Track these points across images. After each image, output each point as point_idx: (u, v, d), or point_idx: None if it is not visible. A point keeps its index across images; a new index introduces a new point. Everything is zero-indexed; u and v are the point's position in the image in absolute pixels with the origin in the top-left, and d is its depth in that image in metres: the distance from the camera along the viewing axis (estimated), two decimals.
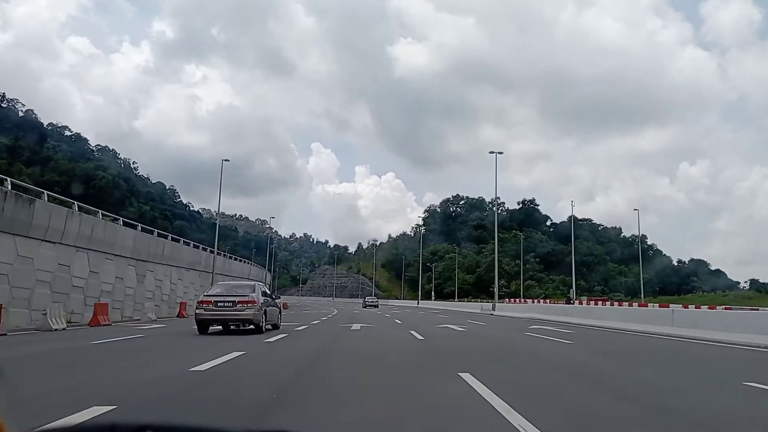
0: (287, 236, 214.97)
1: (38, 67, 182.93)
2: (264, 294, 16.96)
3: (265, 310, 16.04)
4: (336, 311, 47.50)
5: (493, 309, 39.83)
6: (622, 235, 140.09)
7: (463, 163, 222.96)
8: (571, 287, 62.88)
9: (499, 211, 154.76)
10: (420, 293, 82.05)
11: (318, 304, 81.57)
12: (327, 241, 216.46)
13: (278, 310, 18.52)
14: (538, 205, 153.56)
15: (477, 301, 69.59)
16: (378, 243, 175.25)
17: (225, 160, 47.15)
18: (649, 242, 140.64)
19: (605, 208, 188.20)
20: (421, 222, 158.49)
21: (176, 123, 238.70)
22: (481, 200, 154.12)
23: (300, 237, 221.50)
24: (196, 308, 15.71)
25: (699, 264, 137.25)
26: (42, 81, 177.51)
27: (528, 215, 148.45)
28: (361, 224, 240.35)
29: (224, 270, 46.63)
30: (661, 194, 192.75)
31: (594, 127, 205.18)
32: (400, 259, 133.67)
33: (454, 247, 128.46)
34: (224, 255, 52.18)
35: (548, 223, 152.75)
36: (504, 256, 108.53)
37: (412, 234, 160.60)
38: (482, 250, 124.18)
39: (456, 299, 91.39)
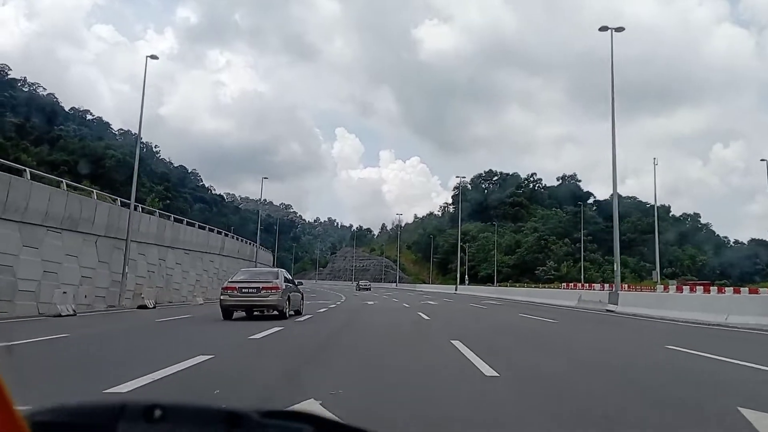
0: (311, 221, 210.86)
1: (65, 56, 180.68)
2: (287, 280, 16.36)
3: (289, 296, 15.68)
4: (343, 298, 36.26)
5: (614, 302, 22.62)
6: (671, 213, 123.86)
7: (489, 147, 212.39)
8: (655, 269, 48.41)
9: (537, 188, 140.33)
10: (459, 277, 67.14)
11: (331, 289, 68.42)
12: (351, 226, 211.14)
13: (300, 295, 17.93)
14: (579, 181, 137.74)
15: (546, 287, 54.35)
16: (403, 224, 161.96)
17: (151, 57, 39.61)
18: (702, 221, 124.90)
19: (635, 192, 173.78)
20: (450, 200, 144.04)
21: (201, 109, 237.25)
22: (516, 176, 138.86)
23: (324, 221, 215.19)
24: (221, 294, 15.41)
25: (760, 245, 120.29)
26: (69, 69, 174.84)
27: (569, 192, 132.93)
28: (386, 209, 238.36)
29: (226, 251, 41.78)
30: (695, 177, 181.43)
31: (625, 109, 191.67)
32: (427, 240, 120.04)
33: (490, 225, 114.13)
34: (234, 237, 47.17)
35: (591, 201, 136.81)
36: (548, 235, 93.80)
37: (439, 213, 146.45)
38: (521, 228, 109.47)
39: (495, 284, 77.47)
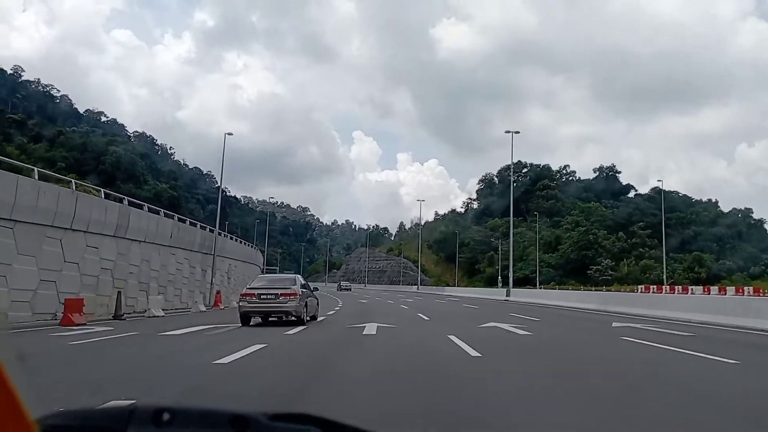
0: (329, 223, 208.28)
1: (85, 62, 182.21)
2: (303, 286, 16.12)
3: (306, 302, 15.46)
4: (335, 310, 22.85)
5: None
6: (718, 209, 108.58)
7: (507, 148, 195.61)
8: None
9: (571, 180, 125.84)
10: (510, 279, 49.61)
11: (335, 294, 55.50)
12: (369, 228, 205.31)
13: (316, 301, 17.46)
14: (619, 172, 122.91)
15: (602, 289, 40.09)
16: (423, 222, 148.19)
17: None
18: (755, 216, 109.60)
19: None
20: (474, 195, 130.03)
21: (218, 112, 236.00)
22: (547, 168, 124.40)
23: (342, 224, 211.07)
24: (240, 301, 15.47)
25: None
26: (89, 75, 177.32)
27: (608, 185, 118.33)
28: (404, 212, 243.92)
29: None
30: (719, 177, 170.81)
31: (648, 107, 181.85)
32: (451, 239, 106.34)
33: (522, 221, 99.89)
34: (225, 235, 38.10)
35: (632, 194, 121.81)
36: (597, 229, 79.33)
37: (462, 210, 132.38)
38: (559, 223, 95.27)
39: (537, 286, 63.60)
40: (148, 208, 22.11)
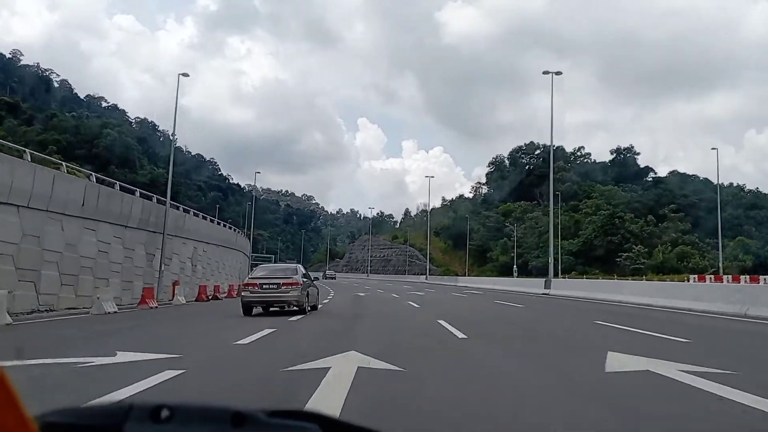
0: (334, 212, 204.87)
1: (87, 48, 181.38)
2: (304, 276, 15.97)
3: (307, 291, 15.40)
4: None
5: None
6: (747, 192, 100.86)
7: (514, 135, 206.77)
8: None
9: (586, 162, 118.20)
10: (551, 267, 39.85)
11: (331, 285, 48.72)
12: (372, 210, 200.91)
13: (317, 290, 17.16)
14: (638, 154, 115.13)
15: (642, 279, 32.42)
16: (429, 208, 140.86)
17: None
18: None
19: None
20: (483, 179, 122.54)
21: (222, 99, 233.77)
22: (561, 149, 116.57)
23: (347, 212, 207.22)
24: (242, 291, 15.74)
25: None
26: (91, 61, 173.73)
27: (625, 167, 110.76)
28: (409, 200, 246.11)
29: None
30: (728, 163, 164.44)
31: (657, 92, 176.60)
32: (459, 225, 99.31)
33: (536, 205, 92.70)
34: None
35: (650, 177, 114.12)
36: (622, 212, 71.88)
37: (470, 196, 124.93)
38: (577, 208, 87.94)
39: (560, 275, 56.41)
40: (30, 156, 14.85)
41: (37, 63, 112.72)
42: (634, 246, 61.14)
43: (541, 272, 68.41)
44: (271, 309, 14.88)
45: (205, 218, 29.70)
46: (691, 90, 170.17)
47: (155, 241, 21.52)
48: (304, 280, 15.39)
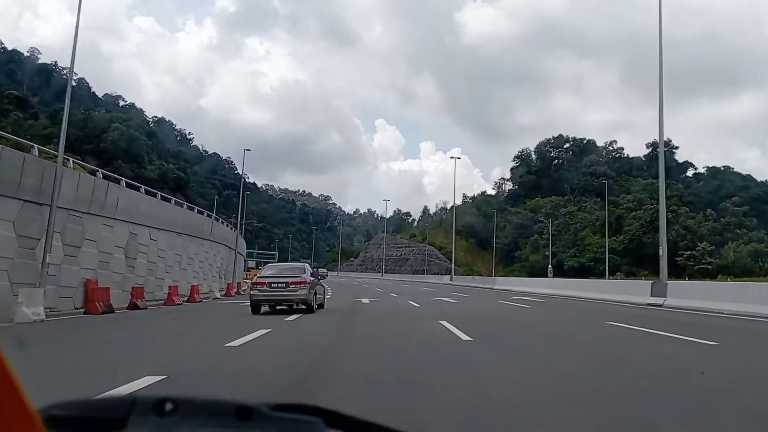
0: (351, 212, 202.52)
1: (108, 49, 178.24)
2: (311, 274, 15.75)
3: (315, 290, 15.20)
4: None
5: None
6: None
7: (534, 136, 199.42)
8: None
9: (621, 157, 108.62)
10: (664, 265, 28.91)
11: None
12: (387, 203, 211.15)
13: (324, 288, 17.28)
14: (676, 148, 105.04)
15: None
16: (449, 206, 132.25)
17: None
18: None
19: None
20: (508, 175, 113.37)
21: (240, 100, 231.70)
22: (592, 143, 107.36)
23: (364, 213, 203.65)
24: (251, 290, 15.57)
25: None
26: (112, 63, 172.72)
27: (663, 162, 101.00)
28: (427, 201, 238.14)
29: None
30: (750, 167, 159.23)
31: (682, 93, 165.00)
32: (483, 223, 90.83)
33: (567, 200, 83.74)
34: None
35: (690, 173, 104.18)
36: (675, 205, 62.55)
37: (494, 192, 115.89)
38: (616, 203, 78.84)
39: (608, 275, 47.67)
40: None
41: (55, 62, 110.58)
42: (698, 243, 51.88)
43: (579, 272, 59.88)
44: (278, 307, 14.69)
45: (154, 195, 21.52)
46: (717, 90, 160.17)
47: (37, 218, 13.50)
48: (312, 279, 15.21)
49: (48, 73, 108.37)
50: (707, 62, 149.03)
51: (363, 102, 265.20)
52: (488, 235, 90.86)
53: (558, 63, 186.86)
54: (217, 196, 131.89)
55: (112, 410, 0.68)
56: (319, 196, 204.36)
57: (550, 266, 58.74)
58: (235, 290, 28.71)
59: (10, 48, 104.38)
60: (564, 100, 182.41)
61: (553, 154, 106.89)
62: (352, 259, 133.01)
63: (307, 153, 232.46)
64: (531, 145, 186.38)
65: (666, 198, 54.52)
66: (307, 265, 17.20)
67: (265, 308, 14.74)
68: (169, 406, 0.67)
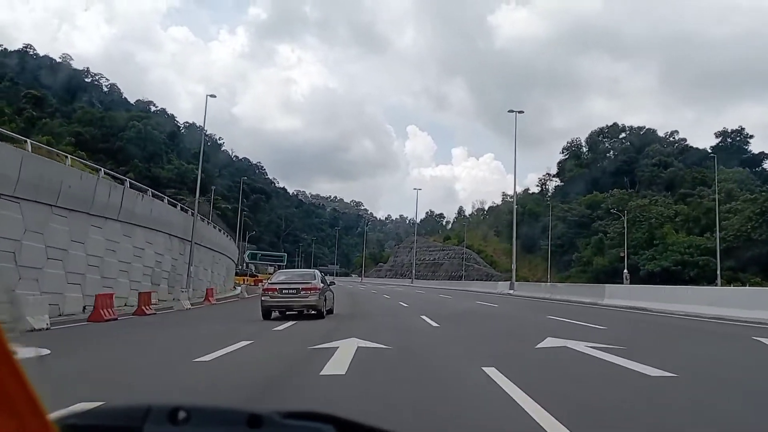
0: (383, 218, 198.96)
1: (144, 59, 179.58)
2: (321, 280, 15.62)
3: (325, 296, 15.06)
4: None
5: None
6: None
7: (568, 140, 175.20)
8: None
9: (684, 147, 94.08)
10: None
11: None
12: (423, 219, 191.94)
13: (333, 294, 16.78)
14: (751, 137, 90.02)
15: None
16: (486, 207, 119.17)
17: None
18: None
19: None
20: (554, 170, 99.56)
21: (272, 107, 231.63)
22: (652, 132, 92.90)
23: (396, 218, 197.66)
24: (262, 296, 15.02)
25: None
26: (148, 72, 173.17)
27: (733, 153, 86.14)
28: (457, 208, 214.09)
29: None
30: None
31: (722, 94, 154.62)
32: (529, 223, 78.08)
33: (633, 193, 70.16)
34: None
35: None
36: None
37: (537, 189, 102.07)
38: (687, 198, 64.94)
39: (719, 283, 34.63)
40: None
41: (87, 68, 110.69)
42: None
43: (663, 279, 46.83)
44: (288, 313, 14.49)
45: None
46: (760, 91, 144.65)
47: None
48: (322, 285, 15.10)
49: (77, 77, 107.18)
50: None
51: (394, 108, 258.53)
52: (534, 236, 77.84)
53: (593, 65, 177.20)
54: (244, 201, 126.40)
55: (128, 418, 0.68)
56: (351, 202, 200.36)
57: (626, 271, 45.64)
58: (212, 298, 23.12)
59: (41, 54, 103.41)
60: (600, 103, 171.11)
61: (606, 144, 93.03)
62: (381, 264, 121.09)
63: (339, 160, 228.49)
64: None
65: (729, 195, 40.93)
66: (317, 271, 17.24)
67: (275, 313, 14.44)
68: (182, 414, 0.67)
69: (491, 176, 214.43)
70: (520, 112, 38.30)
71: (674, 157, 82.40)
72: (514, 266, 34.11)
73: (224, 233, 38.16)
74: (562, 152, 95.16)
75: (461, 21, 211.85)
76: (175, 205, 21.82)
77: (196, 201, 22.99)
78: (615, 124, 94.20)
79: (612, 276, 47.94)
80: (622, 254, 47.82)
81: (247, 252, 57.40)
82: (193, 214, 22.20)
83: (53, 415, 0.61)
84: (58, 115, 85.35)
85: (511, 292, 27.88)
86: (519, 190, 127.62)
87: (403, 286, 54.93)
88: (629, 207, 58.82)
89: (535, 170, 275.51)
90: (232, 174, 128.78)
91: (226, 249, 37.82)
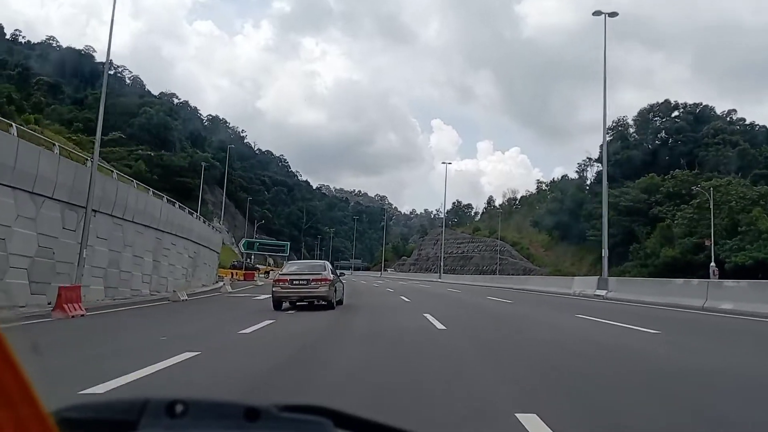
0: (407, 212, 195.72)
1: (169, 53, 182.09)
2: (332, 272, 15.62)
3: (335, 287, 14.96)
4: None
5: None
6: None
7: (597, 133, 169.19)
8: None
9: (746, 127, 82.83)
10: None
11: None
12: (450, 209, 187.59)
13: (342, 285, 16.83)
14: None
15: None
16: (518, 197, 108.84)
17: None
18: None
19: None
20: (595, 153, 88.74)
21: (296, 101, 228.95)
22: (709, 108, 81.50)
23: (420, 213, 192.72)
24: (273, 286, 14.94)
25: None
26: (174, 66, 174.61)
27: None
28: (484, 201, 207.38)
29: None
30: None
31: (759, 85, 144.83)
32: (571, 210, 68.81)
33: (698, 175, 59.76)
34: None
35: None
36: None
37: (576, 174, 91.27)
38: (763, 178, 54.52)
39: None
40: None
41: (111, 60, 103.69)
42: None
43: (755, 273, 36.84)
44: (298, 303, 14.18)
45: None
46: None
47: None
48: (333, 276, 15.04)
49: (98, 69, 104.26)
50: None
51: (419, 100, 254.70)
52: (579, 225, 67.96)
53: (626, 55, 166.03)
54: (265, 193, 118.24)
55: (125, 412, 0.67)
56: (375, 196, 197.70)
57: (713, 264, 35.70)
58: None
59: (64, 45, 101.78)
60: (631, 94, 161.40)
61: (657, 123, 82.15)
62: (405, 258, 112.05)
63: (363, 154, 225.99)
64: (596, 141, 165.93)
65: None
66: (327, 262, 16.58)
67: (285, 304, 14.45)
68: (179, 407, 0.66)
69: (517, 170, 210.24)
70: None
71: (740, 136, 71.48)
72: (605, 253, 24.25)
73: (206, 222, 30.51)
74: (608, 132, 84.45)
75: (488, 10, 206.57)
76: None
77: (97, 142, 14.06)
78: (667, 101, 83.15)
79: (686, 271, 38.09)
80: (707, 242, 37.87)
81: (243, 241, 48.93)
82: (93, 165, 13.32)
83: (49, 408, 0.61)
84: (68, 101, 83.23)
85: (604, 294, 18.36)
86: (546, 181, 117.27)
87: (430, 282, 45.59)
88: (695, 191, 48.53)
89: (563, 163, 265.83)
90: (253, 166, 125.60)
91: (208, 240, 30.00)
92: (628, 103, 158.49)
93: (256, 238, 66.78)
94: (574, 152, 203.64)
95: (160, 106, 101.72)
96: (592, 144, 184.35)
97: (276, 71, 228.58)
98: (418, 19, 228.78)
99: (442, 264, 66.91)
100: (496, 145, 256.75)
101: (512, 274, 61.94)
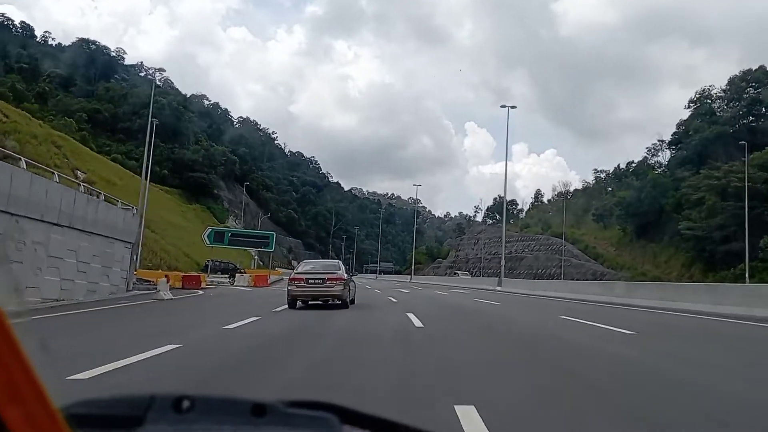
0: (441, 215, 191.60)
1: (205, 60, 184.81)
2: (346, 272, 16.01)
3: (349, 287, 15.45)
4: None
5: None
6: None
7: (638, 133, 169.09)
8: None
9: None
10: None
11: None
12: (485, 221, 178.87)
13: (354, 284, 17.58)
14: None
15: None
16: (572, 189, 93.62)
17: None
18: None
19: None
20: (666, 135, 72.74)
21: (330, 105, 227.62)
22: None
23: (455, 216, 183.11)
24: (288, 285, 15.41)
25: None
26: (209, 73, 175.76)
27: None
28: (530, 196, 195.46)
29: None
30: None
31: None
32: (649, 200, 54.31)
33: None
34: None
35: None
36: None
37: (650, 159, 75.11)
38: None
39: None
40: None
41: (141, 62, 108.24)
42: None
43: None
44: (311, 303, 14.56)
45: None
46: None
47: None
48: (347, 275, 15.40)
49: (130, 72, 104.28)
50: None
51: (453, 103, 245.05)
52: (661, 218, 53.24)
53: (667, 53, 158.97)
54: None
55: (131, 408, 0.67)
56: (408, 199, 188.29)
57: None
58: None
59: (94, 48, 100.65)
60: (673, 93, 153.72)
61: (751, 93, 66.21)
62: (440, 260, 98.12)
63: (397, 157, 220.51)
64: (636, 143, 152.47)
65: None
66: (340, 262, 17.16)
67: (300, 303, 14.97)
68: (186, 403, 0.66)
69: (554, 173, 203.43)
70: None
71: None
72: None
73: (93, 194, 18.09)
74: (688, 106, 68.94)
75: (523, 9, 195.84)
76: None
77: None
78: (761, 67, 67.07)
79: None
80: None
81: (208, 231, 36.01)
82: None
83: (58, 404, 0.60)
84: (76, 93, 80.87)
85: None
86: (579, 185, 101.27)
87: (486, 291, 30.83)
88: None
89: (599, 164, 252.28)
90: (282, 167, 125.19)
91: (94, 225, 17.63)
92: (671, 103, 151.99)
93: (225, 227, 54.18)
94: (614, 153, 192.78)
95: (174, 97, 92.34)
96: (628, 145, 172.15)
97: (309, 75, 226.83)
98: (451, 19, 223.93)
99: (481, 267, 52.53)
100: (531, 148, 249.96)
101: (575, 279, 47.85)
